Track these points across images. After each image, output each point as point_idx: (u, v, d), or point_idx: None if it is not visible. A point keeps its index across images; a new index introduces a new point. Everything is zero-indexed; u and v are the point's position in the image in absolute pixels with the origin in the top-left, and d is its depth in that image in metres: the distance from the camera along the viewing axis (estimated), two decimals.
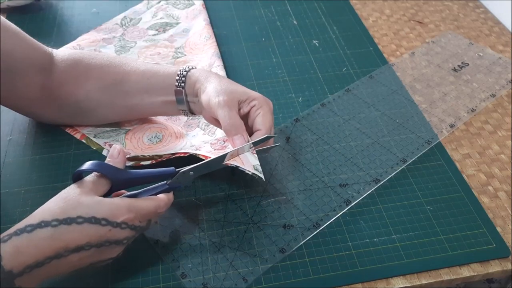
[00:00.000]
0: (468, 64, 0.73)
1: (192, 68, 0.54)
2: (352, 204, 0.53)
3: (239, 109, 0.51)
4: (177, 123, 0.62)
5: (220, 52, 0.74)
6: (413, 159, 0.58)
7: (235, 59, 0.74)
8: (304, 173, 0.57)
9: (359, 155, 0.59)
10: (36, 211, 0.41)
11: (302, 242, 0.50)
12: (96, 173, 0.45)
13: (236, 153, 0.48)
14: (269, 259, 0.48)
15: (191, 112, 0.56)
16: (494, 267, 0.49)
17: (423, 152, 0.59)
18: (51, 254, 0.39)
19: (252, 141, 0.49)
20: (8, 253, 0.38)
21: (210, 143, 0.53)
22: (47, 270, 0.39)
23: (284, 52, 0.76)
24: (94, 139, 0.59)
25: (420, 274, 0.48)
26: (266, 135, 0.50)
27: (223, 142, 0.52)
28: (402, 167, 0.57)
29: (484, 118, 0.65)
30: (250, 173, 0.47)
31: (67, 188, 0.43)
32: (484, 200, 0.55)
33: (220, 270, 0.47)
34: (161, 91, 0.55)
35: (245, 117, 0.52)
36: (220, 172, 0.56)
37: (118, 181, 0.45)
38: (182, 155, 0.53)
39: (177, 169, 0.47)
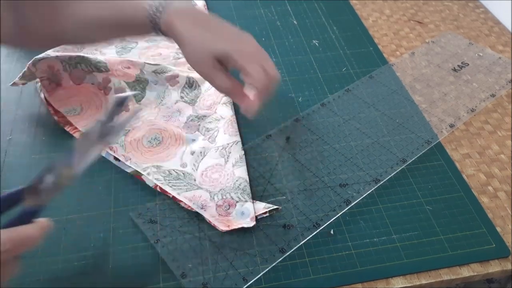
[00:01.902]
0: (468, 64, 0.73)
1: None
2: (352, 204, 0.53)
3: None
4: (176, 123, 0.62)
5: None
6: (413, 159, 0.58)
7: None
8: (304, 173, 0.57)
9: (359, 155, 0.59)
10: None
11: (302, 242, 0.50)
12: None
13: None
14: (269, 259, 0.48)
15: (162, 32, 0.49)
16: (494, 267, 0.49)
17: (423, 152, 0.59)
18: None
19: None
20: None
21: (216, 205, 0.52)
22: None
23: (284, 52, 0.76)
24: None
25: (420, 274, 0.48)
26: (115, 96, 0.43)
27: (228, 207, 0.52)
28: (402, 167, 0.57)
29: (484, 118, 0.65)
30: (267, 214, 0.52)
31: None
32: (484, 200, 0.55)
33: (220, 270, 0.47)
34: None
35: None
36: None
37: None
38: (186, 206, 0.52)
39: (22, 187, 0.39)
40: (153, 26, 0.48)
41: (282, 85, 0.69)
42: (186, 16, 0.48)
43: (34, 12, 0.51)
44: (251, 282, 0.46)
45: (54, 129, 0.62)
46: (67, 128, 0.61)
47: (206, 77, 0.48)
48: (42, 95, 0.64)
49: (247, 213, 0.51)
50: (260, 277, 0.47)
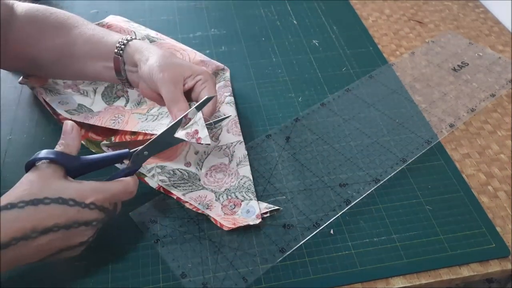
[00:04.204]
0: (468, 64, 0.73)
1: (135, 39, 0.55)
2: (352, 204, 0.53)
3: (184, 84, 0.53)
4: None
5: (220, 52, 0.74)
6: (413, 159, 0.58)
7: (235, 59, 0.74)
8: (304, 173, 0.57)
9: (359, 155, 0.59)
10: (1, 197, 0.41)
11: (302, 242, 0.50)
12: (50, 161, 0.43)
13: (185, 122, 0.50)
14: (269, 259, 0.48)
15: (128, 83, 0.56)
16: (494, 267, 0.49)
17: (423, 152, 0.59)
18: (18, 235, 0.39)
19: (195, 105, 0.50)
20: None
21: (222, 205, 0.53)
22: (15, 254, 0.39)
23: (284, 52, 0.76)
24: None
25: (420, 274, 0.48)
26: (206, 97, 0.50)
27: (233, 206, 0.52)
28: (402, 167, 0.57)
29: (484, 118, 0.65)
30: (268, 214, 0.52)
31: (28, 175, 0.43)
32: (484, 200, 0.55)
33: (220, 270, 0.47)
34: (103, 57, 0.55)
35: (188, 92, 0.54)
36: None
37: (72, 168, 0.45)
38: (192, 207, 0.52)
39: (130, 151, 0.48)
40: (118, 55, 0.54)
41: (282, 85, 0.69)
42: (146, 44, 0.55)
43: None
44: (251, 282, 0.46)
45: (54, 129, 0.62)
46: None
47: (172, 94, 0.52)
48: (41, 98, 0.64)
49: (252, 211, 0.51)
50: (260, 277, 0.47)
